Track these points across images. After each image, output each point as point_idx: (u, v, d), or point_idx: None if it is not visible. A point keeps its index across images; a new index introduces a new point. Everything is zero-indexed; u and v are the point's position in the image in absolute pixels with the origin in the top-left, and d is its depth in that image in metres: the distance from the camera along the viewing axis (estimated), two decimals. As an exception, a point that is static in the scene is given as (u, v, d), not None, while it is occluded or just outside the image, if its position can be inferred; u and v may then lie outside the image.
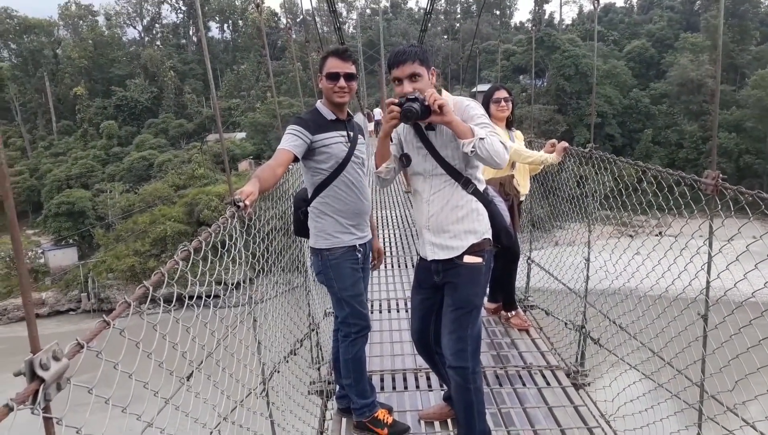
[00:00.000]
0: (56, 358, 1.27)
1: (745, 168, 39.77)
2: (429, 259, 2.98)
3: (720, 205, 2.93)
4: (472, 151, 2.62)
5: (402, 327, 5.43)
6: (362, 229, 3.36)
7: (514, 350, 4.74)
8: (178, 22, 74.41)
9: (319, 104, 3.29)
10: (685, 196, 3.49)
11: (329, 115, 3.23)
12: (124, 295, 1.62)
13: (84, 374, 1.34)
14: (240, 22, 73.15)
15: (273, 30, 67.01)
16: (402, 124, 2.87)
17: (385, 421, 3.42)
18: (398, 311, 6.00)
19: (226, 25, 74.95)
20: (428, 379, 4.25)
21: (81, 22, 67.70)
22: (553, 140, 5.19)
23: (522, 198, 5.09)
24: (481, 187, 2.93)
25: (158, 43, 73.11)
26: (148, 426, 1.78)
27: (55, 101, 60.43)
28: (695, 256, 3.31)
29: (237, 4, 73.02)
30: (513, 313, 5.26)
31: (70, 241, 37.91)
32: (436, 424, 3.58)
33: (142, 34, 74.42)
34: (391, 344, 5.00)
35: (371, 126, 30.57)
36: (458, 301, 2.89)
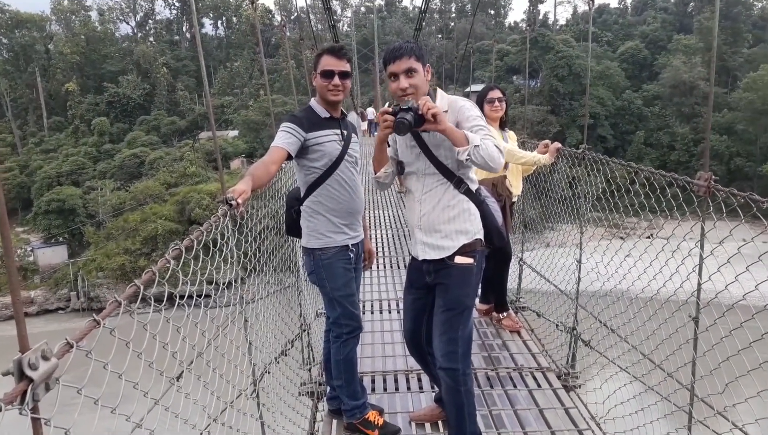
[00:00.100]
0: (45, 358, 1.26)
1: (735, 170, 40.02)
2: (420, 258, 2.98)
3: (712, 207, 2.94)
4: (467, 159, 2.63)
5: (394, 328, 5.42)
6: (355, 229, 3.35)
7: (505, 352, 4.74)
8: (171, 18, 74.07)
9: (313, 102, 3.27)
10: (677, 197, 3.51)
11: (323, 113, 3.22)
12: (114, 294, 1.61)
13: (70, 372, 1.33)
14: (234, 18, 72.83)
15: (267, 27, 66.83)
16: None
17: (375, 423, 3.42)
18: (390, 312, 5.99)
19: (219, 22, 74.65)
20: (419, 380, 4.24)
21: (73, 17, 67.17)
22: (546, 141, 5.20)
23: (514, 199, 5.09)
24: (474, 187, 2.93)
25: (151, 39, 72.74)
26: (137, 427, 1.77)
27: (47, 97, 60.00)
28: (687, 258, 3.32)
29: (231, 0, 72.74)
30: (504, 314, 5.27)
31: (60, 238, 37.65)
32: (427, 425, 3.58)
33: (135, 30, 74.00)
34: (382, 345, 4.99)
35: (365, 125, 30.60)
36: (449, 302, 2.89)
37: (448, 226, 2.87)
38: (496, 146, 2.65)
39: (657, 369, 3.65)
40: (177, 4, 72.21)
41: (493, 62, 32.95)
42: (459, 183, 2.86)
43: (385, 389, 4.17)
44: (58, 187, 41.88)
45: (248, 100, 55.15)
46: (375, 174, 3.06)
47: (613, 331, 4.26)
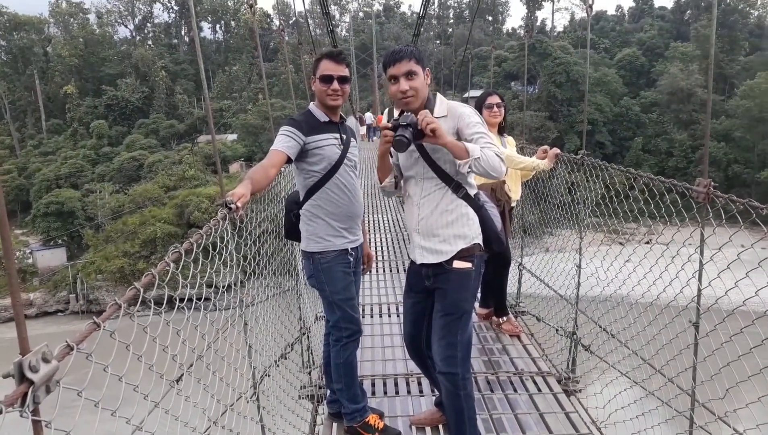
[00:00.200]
0: (46, 360, 1.26)
1: (733, 177, 40.13)
2: (418, 262, 2.98)
3: (711, 213, 2.95)
4: (468, 171, 2.66)
5: (393, 332, 5.41)
6: (354, 233, 3.35)
7: (505, 356, 4.74)
8: (170, 21, 74.18)
9: (312, 106, 3.27)
10: (677, 204, 3.51)
11: (322, 117, 3.22)
12: (114, 297, 1.60)
13: (71, 375, 1.33)
14: (232, 22, 73.00)
15: (265, 31, 66.96)
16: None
17: (376, 426, 3.40)
18: (390, 316, 5.98)
19: (218, 26, 74.79)
20: (419, 384, 4.23)
21: (72, 19, 67.24)
22: (545, 147, 5.21)
23: (513, 204, 5.10)
24: (473, 191, 2.93)
25: (150, 42, 72.81)
26: (138, 429, 1.76)
27: (45, 100, 59.98)
28: (686, 263, 3.32)
29: (229, 4, 72.88)
30: (504, 318, 5.26)
31: (59, 241, 37.60)
32: (428, 429, 3.57)
33: (134, 33, 74.09)
34: (382, 349, 4.98)
35: (363, 130, 30.67)
36: (447, 307, 2.89)
37: (446, 231, 2.87)
38: (498, 155, 2.65)
39: (657, 374, 3.65)
40: (175, 8, 72.32)
41: (492, 68, 33.11)
42: (457, 187, 2.86)
43: (385, 393, 4.16)
44: (56, 189, 41.82)
45: (247, 104, 55.20)
46: (381, 184, 3.07)
47: (613, 335, 4.26)
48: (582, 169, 4.73)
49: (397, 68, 2.77)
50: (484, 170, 2.64)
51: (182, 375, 2.26)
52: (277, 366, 4.05)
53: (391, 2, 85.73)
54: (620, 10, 73.96)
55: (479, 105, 4.85)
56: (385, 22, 79.65)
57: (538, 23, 72.88)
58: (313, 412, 4.29)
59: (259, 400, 3.13)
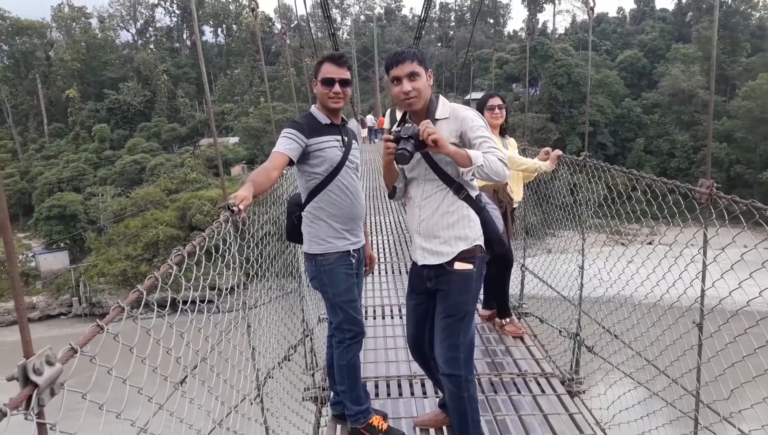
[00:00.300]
0: (50, 363, 1.26)
1: (735, 178, 40.05)
2: (419, 263, 2.99)
3: (714, 214, 2.94)
4: (471, 178, 2.69)
5: (396, 333, 5.40)
6: (356, 235, 3.35)
7: (508, 357, 4.73)
8: (171, 25, 74.30)
9: (314, 109, 3.28)
10: (679, 204, 3.51)
11: (324, 120, 3.23)
12: (117, 300, 1.61)
13: (75, 377, 1.32)
14: (234, 26, 73.11)
15: (267, 35, 67.05)
16: (396, 124, 2.93)
17: (379, 428, 3.40)
18: (392, 317, 5.97)
19: (220, 30, 74.86)
20: (423, 386, 4.23)
21: (74, 24, 67.41)
22: (547, 148, 5.21)
23: (515, 205, 5.10)
24: (474, 193, 2.93)
25: (152, 46, 72.98)
26: (142, 431, 1.76)
27: (47, 103, 60.12)
28: (690, 264, 3.31)
29: (231, 8, 73.00)
30: (507, 320, 5.25)
31: (62, 244, 37.62)
32: (431, 431, 3.57)
33: (136, 37, 74.25)
34: (385, 351, 4.98)
35: (365, 132, 30.71)
36: (449, 309, 2.89)
37: (447, 232, 2.87)
38: (501, 159, 2.66)
39: (661, 375, 3.65)
40: (177, 12, 72.47)
41: (493, 70, 33.00)
42: (459, 189, 2.86)
43: (388, 395, 4.16)
44: (59, 193, 41.85)
45: (248, 107, 55.23)
46: (388, 190, 3.09)
47: (617, 336, 4.25)
48: (584, 171, 4.73)
49: (400, 69, 2.77)
50: (487, 176, 2.67)
51: (186, 377, 2.26)
52: (281, 368, 4.05)
53: (393, 5, 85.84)
54: (621, 12, 73.96)
55: (481, 107, 4.85)
56: (386, 25, 79.69)
57: (540, 25, 72.85)
58: (316, 414, 4.29)
59: (262, 402, 3.13)
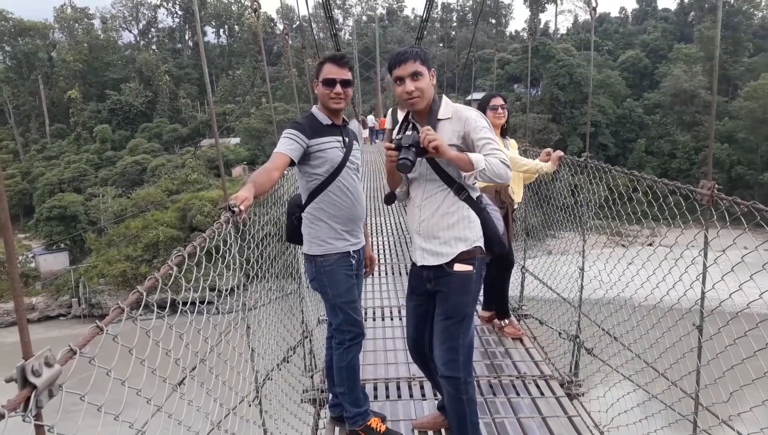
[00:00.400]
0: (48, 365, 1.26)
1: (736, 178, 40.00)
2: (419, 264, 2.99)
3: (715, 215, 2.94)
4: (474, 182, 2.72)
5: (396, 335, 5.40)
6: (356, 236, 3.35)
7: (508, 359, 4.73)
8: (174, 26, 74.33)
9: (315, 109, 3.28)
10: (680, 206, 3.50)
11: (325, 120, 3.23)
12: (117, 301, 1.61)
13: (73, 378, 1.33)
14: (236, 27, 73.10)
15: (269, 36, 67.07)
16: (398, 126, 2.95)
17: (378, 430, 3.40)
18: (392, 319, 5.97)
19: (222, 30, 74.88)
20: (422, 388, 4.23)
21: (76, 25, 67.44)
22: (548, 149, 5.21)
23: (515, 206, 5.10)
24: (475, 194, 2.92)
25: (154, 47, 72.96)
26: (140, 433, 1.76)
27: (49, 104, 60.16)
28: (690, 266, 3.31)
29: (234, 9, 73.01)
30: (506, 321, 5.25)
31: (62, 245, 37.63)
32: (430, 433, 3.56)
33: (138, 38, 74.28)
34: (384, 352, 4.97)
35: (366, 132, 30.70)
36: (448, 311, 2.89)
37: (446, 233, 2.87)
38: (503, 161, 2.66)
39: (661, 377, 3.64)
40: (179, 13, 72.50)
41: (495, 71, 33.05)
42: (459, 190, 2.86)
43: (387, 397, 4.16)
44: (59, 193, 41.89)
45: (250, 107, 55.22)
46: (393, 192, 3.09)
47: (616, 338, 4.25)
48: (585, 172, 4.73)
49: (403, 69, 2.78)
50: (490, 178, 2.69)
51: (185, 378, 2.26)
52: (280, 370, 4.05)
53: (395, 6, 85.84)
54: (623, 12, 73.80)
55: (483, 107, 4.85)
56: (388, 25, 79.69)
57: (542, 26, 72.78)
58: (315, 416, 4.29)
59: (261, 403, 3.13)
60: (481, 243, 2.90)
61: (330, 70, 3.15)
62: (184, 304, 2.15)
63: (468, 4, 78.80)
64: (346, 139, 3.27)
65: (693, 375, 3.15)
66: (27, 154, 55.28)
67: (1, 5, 59.47)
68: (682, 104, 44.31)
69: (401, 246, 9.67)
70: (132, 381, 1.64)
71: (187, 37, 73.56)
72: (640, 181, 3.74)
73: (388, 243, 10.08)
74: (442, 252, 2.87)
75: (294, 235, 3.41)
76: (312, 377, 4.57)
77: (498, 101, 4.86)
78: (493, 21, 72.63)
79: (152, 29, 75.21)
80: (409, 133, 2.77)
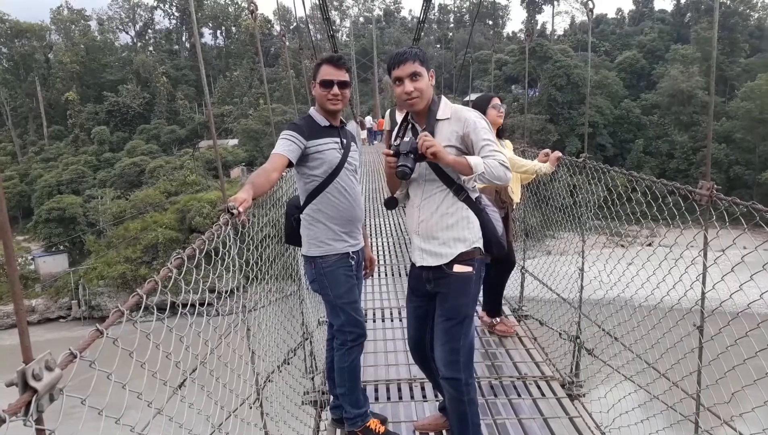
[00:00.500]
0: (49, 369, 1.25)
1: (734, 178, 40.10)
2: (418, 265, 2.98)
3: (714, 215, 2.94)
4: (474, 185, 2.76)
5: (396, 336, 5.39)
6: (355, 237, 3.34)
7: (508, 360, 4.72)
8: (171, 27, 74.35)
9: (313, 111, 3.28)
10: (679, 206, 3.50)
11: (323, 122, 3.23)
12: (117, 304, 1.60)
13: (74, 381, 1.32)
14: (233, 28, 73.13)
15: (266, 37, 67.09)
16: (397, 127, 2.97)
17: (377, 432, 3.39)
18: (392, 320, 5.96)
19: (219, 32, 74.87)
20: (423, 389, 4.22)
21: (73, 26, 67.41)
22: (547, 150, 5.20)
23: (514, 205, 5.10)
24: (474, 195, 2.92)
25: (151, 48, 73.02)
26: (140, 436, 1.75)
27: (47, 106, 60.13)
28: (690, 266, 3.31)
29: (230, 10, 73.02)
30: (498, 319, 5.25)
31: (61, 247, 37.60)
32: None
33: (135, 40, 74.30)
34: (385, 354, 4.97)
35: (364, 133, 30.70)
36: (448, 312, 2.88)
37: (445, 234, 2.86)
38: (502, 163, 2.67)
39: (662, 377, 3.64)
40: (176, 14, 72.48)
41: (492, 71, 33.07)
42: (459, 190, 2.85)
43: (388, 398, 4.15)
44: (58, 195, 41.89)
45: (248, 109, 55.22)
46: (393, 195, 3.09)
47: (617, 339, 4.24)
48: (583, 172, 4.73)
49: (402, 70, 2.77)
50: (489, 181, 2.70)
51: (185, 381, 2.25)
52: (280, 371, 4.04)
53: (392, 7, 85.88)
54: (620, 13, 73.93)
55: (483, 107, 4.83)
56: (385, 26, 79.77)
57: (539, 27, 72.92)
58: (316, 418, 4.28)
59: (262, 406, 3.12)
60: (480, 244, 2.90)
61: (327, 72, 3.15)
62: (184, 306, 2.14)
63: (465, 6, 78.92)
64: (344, 141, 3.27)
65: (694, 375, 3.14)
66: (25, 156, 55.26)
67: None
68: (680, 105, 44.41)
69: (401, 247, 9.66)
70: (132, 384, 1.63)
71: (184, 39, 73.58)
72: (638, 181, 3.74)
73: (388, 244, 10.07)
74: (441, 253, 2.87)
75: (293, 237, 3.40)
76: (313, 379, 4.56)
77: (497, 101, 4.87)
78: (491, 22, 72.75)
79: (149, 31, 75.28)
80: (407, 139, 2.77)
